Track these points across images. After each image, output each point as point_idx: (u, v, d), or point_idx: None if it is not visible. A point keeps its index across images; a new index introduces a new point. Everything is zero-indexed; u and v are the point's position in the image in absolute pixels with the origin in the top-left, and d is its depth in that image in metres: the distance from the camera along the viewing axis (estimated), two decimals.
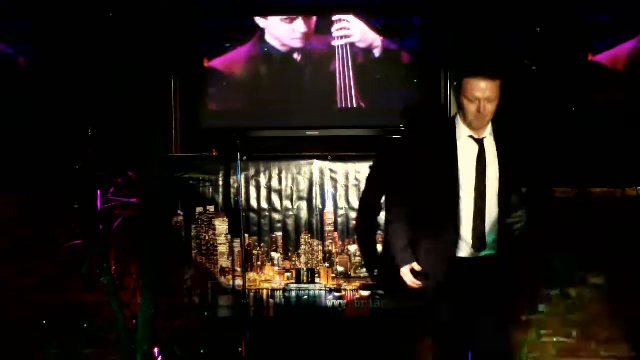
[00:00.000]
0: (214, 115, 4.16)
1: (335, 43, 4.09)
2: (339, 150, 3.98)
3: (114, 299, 3.49)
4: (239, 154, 3.76)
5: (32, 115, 4.00)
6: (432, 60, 4.08)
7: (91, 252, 3.47)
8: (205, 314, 3.88)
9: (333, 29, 4.09)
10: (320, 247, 3.92)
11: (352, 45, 4.09)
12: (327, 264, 3.92)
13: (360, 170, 3.90)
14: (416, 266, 2.95)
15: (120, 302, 3.50)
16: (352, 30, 4.08)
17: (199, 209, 3.91)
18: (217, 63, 4.14)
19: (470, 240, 2.87)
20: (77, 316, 3.79)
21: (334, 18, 4.08)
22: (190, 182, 3.90)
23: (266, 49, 4.11)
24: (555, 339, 3.78)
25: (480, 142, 2.86)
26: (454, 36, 3.94)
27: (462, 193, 2.85)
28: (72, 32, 3.90)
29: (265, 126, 4.14)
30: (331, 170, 3.94)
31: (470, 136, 2.86)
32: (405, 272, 2.97)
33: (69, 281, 3.71)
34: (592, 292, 3.77)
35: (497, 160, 2.86)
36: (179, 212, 3.90)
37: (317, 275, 3.91)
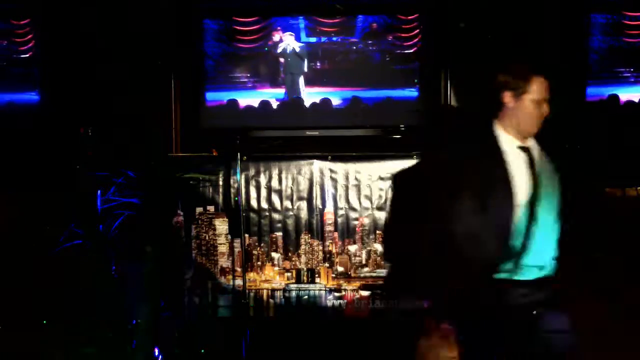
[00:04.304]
0: (214, 115, 4.16)
1: None
2: (339, 150, 3.98)
3: (114, 299, 3.49)
4: (239, 154, 3.76)
5: (33, 115, 4.01)
6: (432, 60, 4.09)
7: (91, 252, 3.47)
8: (206, 314, 3.88)
9: None
10: (320, 247, 3.92)
11: None
12: (327, 264, 3.92)
13: (360, 170, 3.90)
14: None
15: (120, 302, 3.50)
16: None
17: (199, 209, 3.91)
18: None
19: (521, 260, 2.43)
20: (77, 316, 3.78)
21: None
22: (190, 182, 3.90)
23: None
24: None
25: (527, 150, 2.52)
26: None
27: (515, 207, 2.45)
28: (72, 32, 3.91)
29: (265, 126, 4.14)
30: (331, 170, 3.93)
31: (520, 146, 2.51)
32: None
33: (69, 281, 3.71)
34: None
35: (547, 167, 2.53)
36: (179, 212, 3.90)
37: (317, 275, 3.91)
